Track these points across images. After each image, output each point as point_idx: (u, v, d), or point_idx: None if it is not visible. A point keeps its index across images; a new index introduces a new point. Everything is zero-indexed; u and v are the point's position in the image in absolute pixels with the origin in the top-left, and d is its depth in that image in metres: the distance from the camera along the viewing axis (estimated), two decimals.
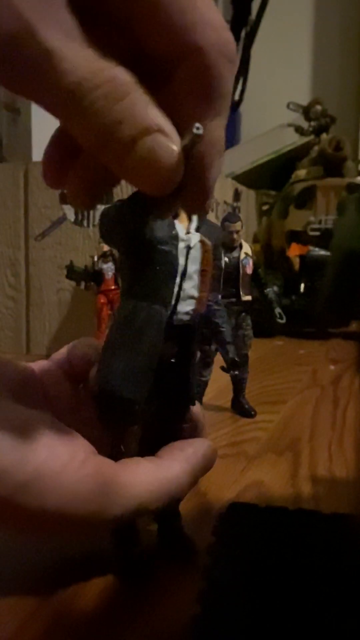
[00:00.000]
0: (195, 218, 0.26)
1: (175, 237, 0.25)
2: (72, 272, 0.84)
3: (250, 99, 1.81)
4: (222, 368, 0.32)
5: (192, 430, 0.30)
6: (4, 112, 1.27)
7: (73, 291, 0.93)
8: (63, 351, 0.29)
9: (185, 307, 0.25)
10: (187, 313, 0.25)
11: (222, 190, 1.15)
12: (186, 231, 0.26)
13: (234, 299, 0.57)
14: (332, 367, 0.86)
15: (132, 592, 0.29)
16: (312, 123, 1.38)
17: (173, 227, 0.25)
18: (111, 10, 0.18)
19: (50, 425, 0.23)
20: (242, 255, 0.57)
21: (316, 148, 1.29)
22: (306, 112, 1.38)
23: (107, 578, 0.30)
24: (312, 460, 0.48)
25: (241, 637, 0.24)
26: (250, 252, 0.58)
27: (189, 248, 0.25)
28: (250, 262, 0.57)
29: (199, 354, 0.59)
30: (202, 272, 0.25)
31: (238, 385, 0.62)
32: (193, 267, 0.25)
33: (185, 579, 0.29)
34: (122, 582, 0.29)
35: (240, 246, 0.57)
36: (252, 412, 0.61)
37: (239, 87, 1.81)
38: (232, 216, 0.57)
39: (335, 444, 0.52)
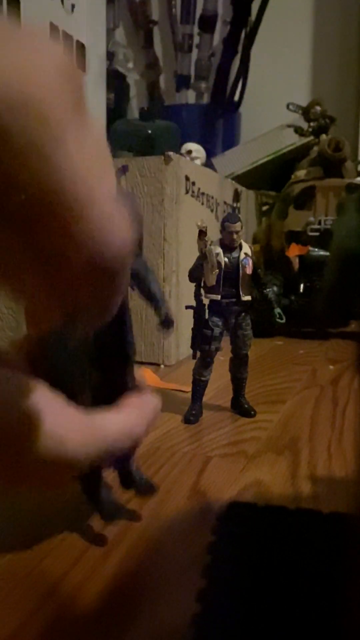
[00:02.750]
0: None
1: None
2: None
3: (250, 100, 1.81)
4: (159, 327, 0.34)
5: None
6: None
7: None
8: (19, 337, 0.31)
9: None
10: None
11: (222, 190, 1.15)
12: None
13: (234, 299, 0.57)
14: (331, 367, 0.86)
15: (132, 592, 0.29)
16: (312, 124, 1.38)
17: None
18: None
19: (28, 378, 0.25)
20: (242, 256, 0.57)
21: (316, 149, 1.29)
22: (306, 112, 1.38)
23: (107, 578, 0.30)
24: (311, 460, 0.48)
25: (241, 636, 0.24)
26: (250, 253, 0.58)
27: None
28: (250, 262, 0.57)
29: (198, 354, 0.60)
30: None
31: (238, 385, 0.62)
32: None
33: (185, 579, 0.29)
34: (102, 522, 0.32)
35: (240, 246, 0.57)
36: (252, 412, 0.61)
37: (239, 88, 1.81)
38: (232, 217, 0.57)
39: (335, 443, 0.52)
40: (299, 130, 1.41)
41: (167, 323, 0.33)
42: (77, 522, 0.36)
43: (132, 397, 0.30)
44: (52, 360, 0.29)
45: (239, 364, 0.61)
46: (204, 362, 0.59)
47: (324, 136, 1.34)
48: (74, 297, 0.21)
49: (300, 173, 1.25)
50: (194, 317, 0.59)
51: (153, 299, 0.32)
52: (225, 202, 1.17)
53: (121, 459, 0.33)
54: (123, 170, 0.86)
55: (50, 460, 0.24)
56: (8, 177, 0.17)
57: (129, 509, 0.37)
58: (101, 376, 0.31)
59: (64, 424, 0.24)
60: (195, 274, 0.57)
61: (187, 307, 0.59)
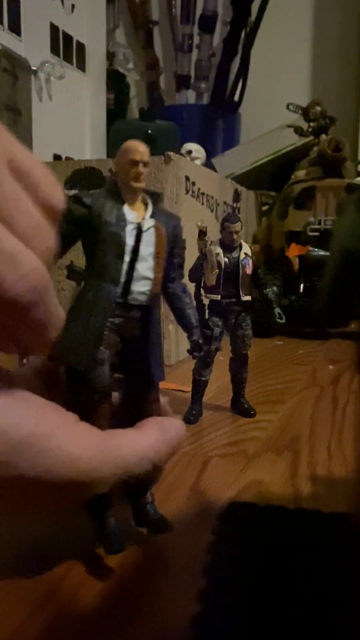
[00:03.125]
0: (150, 206, 0.29)
1: (123, 219, 0.27)
2: (72, 273, 0.84)
3: (250, 100, 1.81)
4: (188, 351, 0.34)
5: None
6: (5, 113, 1.27)
7: (73, 291, 0.93)
8: (34, 358, 0.30)
9: (140, 287, 0.27)
10: (142, 293, 0.27)
11: (222, 190, 1.15)
12: (140, 217, 0.28)
13: (234, 299, 0.57)
14: (331, 367, 0.86)
15: (132, 592, 0.29)
16: (312, 124, 1.38)
17: (121, 210, 0.28)
18: None
19: (38, 398, 0.24)
20: (242, 256, 0.57)
21: (315, 149, 1.29)
22: (306, 113, 1.38)
23: (106, 577, 0.30)
24: (311, 460, 0.48)
25: (241, 636, 0.24)
26: (249, 253, 0.58)
27: (139, 231, 0.28)
28: (250, 262, 0.57)
29: None
30: (157, 255, 0.28)
31: (238, 385, 0.62)
32: (147, 250, 0.28)
33: (185, 579, 0.29)
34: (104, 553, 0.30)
35: (240, 246, 0.57)
36: (252, 412, 0.61)
37: (239, 88, 1.81)
38: (232, 217, 0.57)
39: (335, 443, 0.52)
40: (299, 130, 1.41)
41: (195, 349, 0.33)
42: (77, 523, 0.36)
43: (154, 419, 0.29)
44: (68, 380, 0.28)
45: (239, 364, 0.61)
46: (204, 362, 0.59)
47: (324, 136, 1.34)
48: (5, 334, 0.22)
49: (300, 173, 1.25)
50: None
51: (186, 324, 0.32)
52: (225, 202, 1.17)
53: (136, 489, 0.31)
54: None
55: (61, 481, 0.23)
56: None
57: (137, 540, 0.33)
58: (122, 398, 0.30)
59: (76, 442, 0.23)
60: (195, 274, 0.57)
61: None
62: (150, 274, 0.28)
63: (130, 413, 0.30)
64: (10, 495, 0.23)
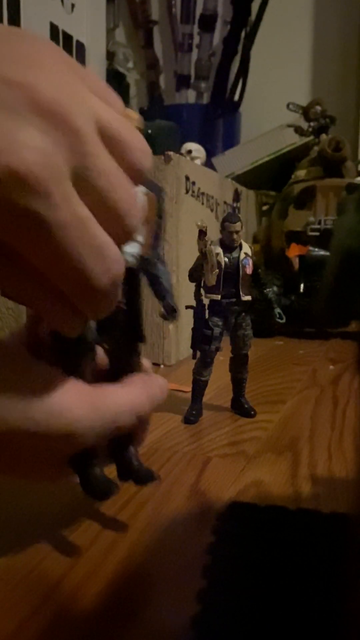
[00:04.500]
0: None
1: None
2: None
3: (250, 99, 1.81)
4: (161, 315, 0.34)
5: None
6: None
7: None
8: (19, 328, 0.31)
9: (131, 249, 0.28)
10: (132, 255, 0.28)
11: (222, 190, 1.15)
12: None
13: (234, 299, 0.57)
14: (331, 367, 0.86)
15: (132, 592, 0.29)
16: (312, 123, 1.38)
17: None
18: None
19: (27, 358, 0.25)
20: (242, 256, 0.57)
21: (316, 148, 1.29)
22: (306, 112, 1.38)
23: (106, 578, 0.30)
24: (311, 460, 0.48)
25: (241, 636, 0.24)
26: (250, 253, 0.58)
27: None
28: (250, 262, 0.57)
29: (198, 354, 0.59)
30: (146, 220, 0.29)
31: (238, 385, 0.62)
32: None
33: (185, 579, 0.29)
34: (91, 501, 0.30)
35: (240, 246, 0.57)
36: (252, 412, 0.61)
37: (239, 88, 1.81)
38: (232, 216, 0.57)
39: (335, 443, 0.52)
40: (299, 130, 1.41)
41: (168, 312, 0.34)
42: (77, 523, 0.36)
43: (138, 376, 0.30)
44: (54, 339, 0.28)
45: (239, 364, 0.61)
46: (204, 362, 0.59)
47: (324, 136, 1.34)
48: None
49: (301, 173, 1.25)
50: (194, 317, 0.59)
51: (159, 289, 0.32)
52: (225, 202, 1.17)
53: (120, 444, 0.32)
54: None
55: (51, 433, 0.23)
56: None
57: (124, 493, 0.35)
58: (108, 355, 0.31)
59: (66, 394, 0.24)
60: (195, 274, 0.57)
61: (187, 307, 0.59)
62: (140, 238, 0.29)
63: (114, 370, 0.31)
64: None
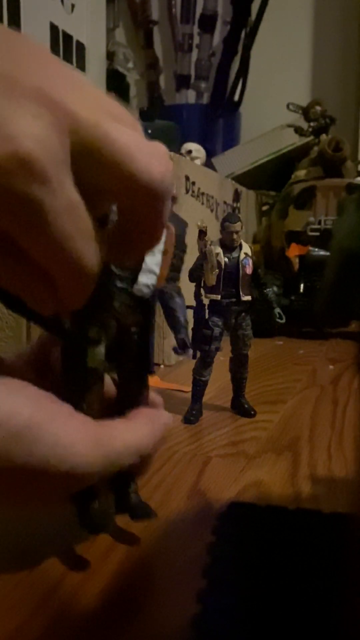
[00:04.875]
0: None
1: None
2: None
3: (250, 100, 1.81)
4: (174, 349, 0.35)
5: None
6: None
7: None
8: (25, 348, 0.30)
9: (146, 280, 0.28)
10: (146, 285, 0.28)
11: (222, 190, 1.15)
12: None
13: (234, 299, 0.57)
14: (331, 367, 0.86)
15: (132, 592, 0.29)
16: (312, 124, 1.38)
17: None
18: None
19: (33, 387, 0.24)
20: (242, 256, 0.57)
21: (316, 149, 1.29)
22: (306, 112, 1.38)
23: (106, 578, 0.30)
24: (311, 460, 0.48)
25: (241, 637, 0.24)
26: (250, 253, 0.58)
27: None
28: (250, 262, 0.57)
29: (198, 354, 0.59)
30: (165, 251, 0.29)
31: (238, 385, 0.62)
32: (156, 246, 0.28)
33: (185, 579, 0.29)
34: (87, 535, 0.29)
35: (240, 246, 0.57)
36: (252, 412, 0.61)
37: (239, 88, 1.81)
38: (232, 216, 0.57)
39: (335, 443, 0.52)
40: (299, 130, 1.41)
41: (181, 346, 0.34)
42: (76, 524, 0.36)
43: (144, 411, 0.29)
44: (63, 360, 0.28)
45: (239, 364, 0.61)
46: (204, 362, 0.59)
47: (324, 136, 1.34)
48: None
49: (300, 173, 1.25)
50: (194, 317, 0.59)
51: (174, 322, 0.33)
52: (225, 202, 1.17)
53: (121, 480, 0.32)
54: None
55: (54, 472, 0.23)
56: None
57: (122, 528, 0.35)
58: (117, 386, 0.31)
59: (69, 432, 0.23)
60: (195, 274, 0.57)
61: (187, 307, 0.59)
62: (156, 269, 0.29)
63: (122, 401, 0.31)
64: (9, 480, 0.23)
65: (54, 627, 0.26)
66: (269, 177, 1.48)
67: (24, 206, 0.18)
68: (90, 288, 0.23)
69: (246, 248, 0.57)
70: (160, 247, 0.29)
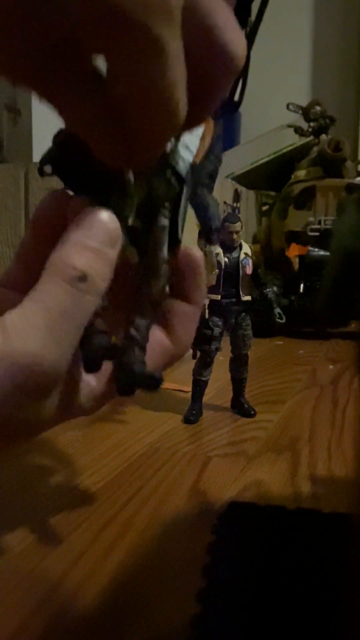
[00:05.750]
0: None
1: None
2: None
3: (250, 100, 1.81)
4: (200, 234, 0.33)
5: (191, 272, 0.29)
6: (5, 113, 1.27)
7: None
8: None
9: (182, 153, 0.28)
10: (183, 160, 0.28)
11: (222, 190, 1.15)
12: None
13: (234, 299, 0.57)
14: (331, 366, 0.86)
15: (132, 592, 0.29)
16: (312, 124, 1.38)
17: None
18: None
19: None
20: (242, 256, 0.57)
21: (315, 149, 1.30)
22: (306, 113, 1.38)
23: (107, 578, 0.30)
24: (311, 460, 0.48)
25: (241, 637, 0.24)
26: (249, 253, 0.58)
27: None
28: (250, 262, 0.57)
29: (198, 354, 0.59)
30: (202, 137, 0.28)
31: (238, 385, 0.62)
32: (196, 129, 0.28)
33: (185, 579, 0.29)
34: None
35: (240, 246, 0.57)
36: (252, 412, 0.61)
37: (239, 88, 1.81)
38: (231, 217, 0.57)
39: (335, 443, 0.52)
40: (299, 130, 1.41)
41: (209, 235, 0.32)
42: (77, 523, 0.36)
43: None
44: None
45: (239, 364, 0.61)
46: (204, 362, 0.59)
47: (324, 136, 1.34)
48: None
49: (300, 173, 1.26)
50: None
51: (206, 212, 0.32)
52: (225, 202, 1.17)
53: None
54: None
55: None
56: None
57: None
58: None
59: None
60: None
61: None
62: (193, 148, 0.28)
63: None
64: None
65: (54, 627, 0.26)
66: (269, 177, 1.48)
67: (151, 46, 0.19)
68: (166, 144, 0.23)
69: (246, 248, 0.57)
70: (199, 131, 0.28)
